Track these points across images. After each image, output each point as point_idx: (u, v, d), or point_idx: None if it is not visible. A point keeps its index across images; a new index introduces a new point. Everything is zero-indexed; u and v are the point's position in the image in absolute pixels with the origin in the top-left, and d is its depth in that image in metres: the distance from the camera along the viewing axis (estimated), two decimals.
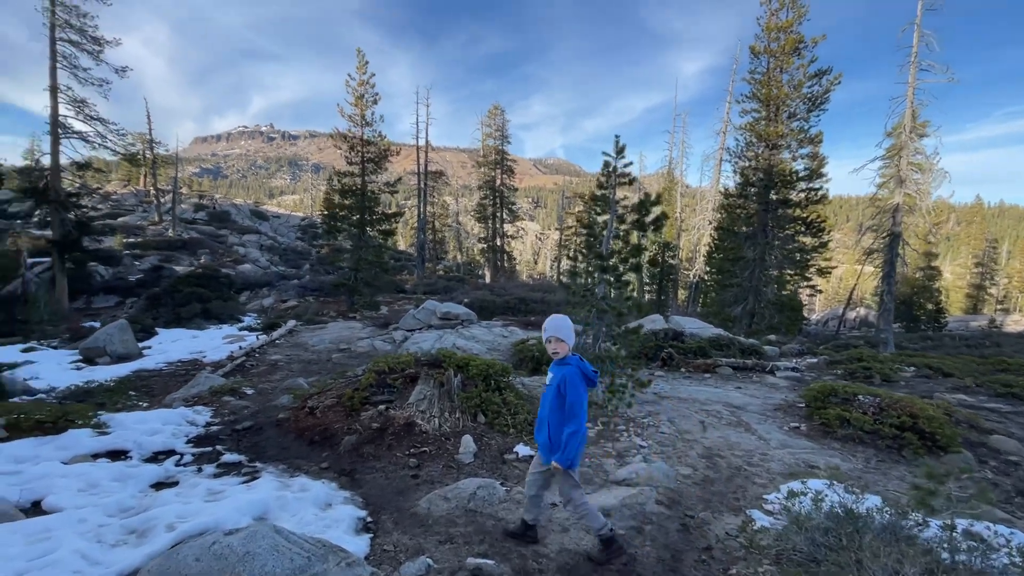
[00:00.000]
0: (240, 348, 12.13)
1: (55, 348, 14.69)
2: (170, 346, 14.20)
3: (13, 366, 11.02)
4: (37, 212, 24.61)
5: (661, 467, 4.55)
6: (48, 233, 24.24)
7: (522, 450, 4.99)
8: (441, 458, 4.77)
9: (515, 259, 48.59)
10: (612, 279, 6.04)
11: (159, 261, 30.39)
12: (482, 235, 42.05)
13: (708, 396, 7.76)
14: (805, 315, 31.37)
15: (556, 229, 59.20)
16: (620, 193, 6.33)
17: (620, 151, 6.08)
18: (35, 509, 3.54)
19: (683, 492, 4.27)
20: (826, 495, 3.50)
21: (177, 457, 4.77)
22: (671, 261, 32.34)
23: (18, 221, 30.90)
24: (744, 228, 22.15)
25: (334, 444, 5.05)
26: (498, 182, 39.90)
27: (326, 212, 24.47)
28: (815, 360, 11.85)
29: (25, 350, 14.39)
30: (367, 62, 23.63)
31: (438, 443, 5.01)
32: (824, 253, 21.88)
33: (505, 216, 40.53)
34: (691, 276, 34.60)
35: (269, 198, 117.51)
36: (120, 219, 39.70)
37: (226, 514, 3.25)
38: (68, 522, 3.12)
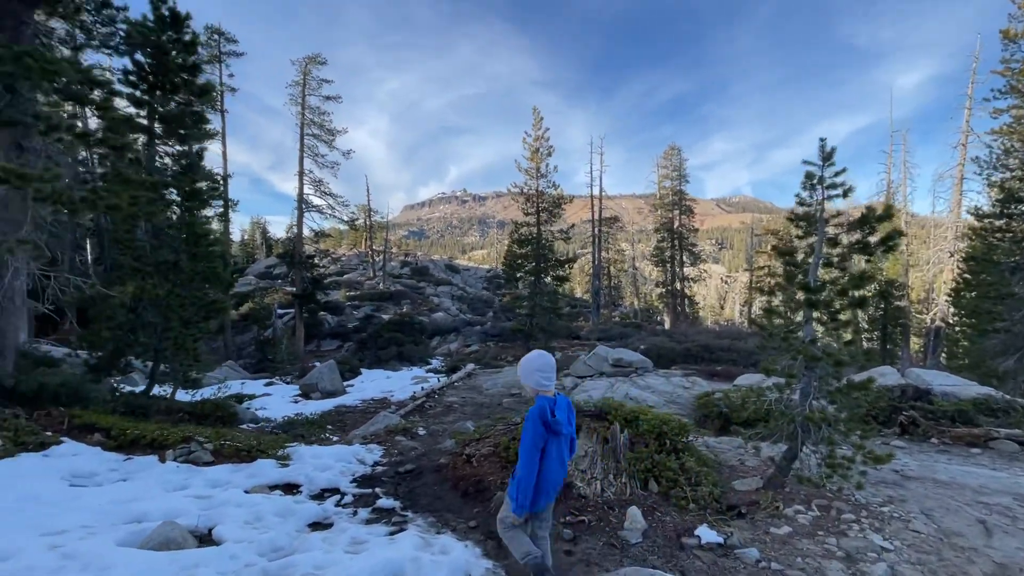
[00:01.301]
0: (422, 389, 12.81)
1: (288, 383, 17.42)
2: (368, 385, 15.77)
3: (251, 397, 13.15)
4: (290, 273, 30.70)
5: None
6: (293, 289, 29.87)
7: (706, 535, 3.93)
8: (602, 532, 3.98)
9: (698, 304, 45.10)
10: (826, 317, 4.70)
11: (371, 310, 35.09)
12: (660, 279, 40.05)
13: (984, 482, 5.56)
14: None
15: (745, 270, 53.85)
16: (830, 211, 5.03)
17: (828, 157, 4.84)
18: (209, 535, 3.71)
19: None
20: None
21: (339, 497, 4.81)
22: (898, 303, 26.53)
23: (278, 281, 38.98)
24: (1011, 257, 17.07)
25: (486, 499, 4.61)
26: (676, 223, 37.93)
27: (506, 261, 25.81)
28: None
29: (267, 384, 17.35)
30: (542, 118, 24.80)
31: (599, 512, 4.23)
32: None
33: (685, 259, 38.10)
34: (928, 320, 27.95)
35: (461, 253, 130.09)
36: (345, 276, 47.40)
37: (357, 574, 2.97)
38: (219, 558, 3.14)
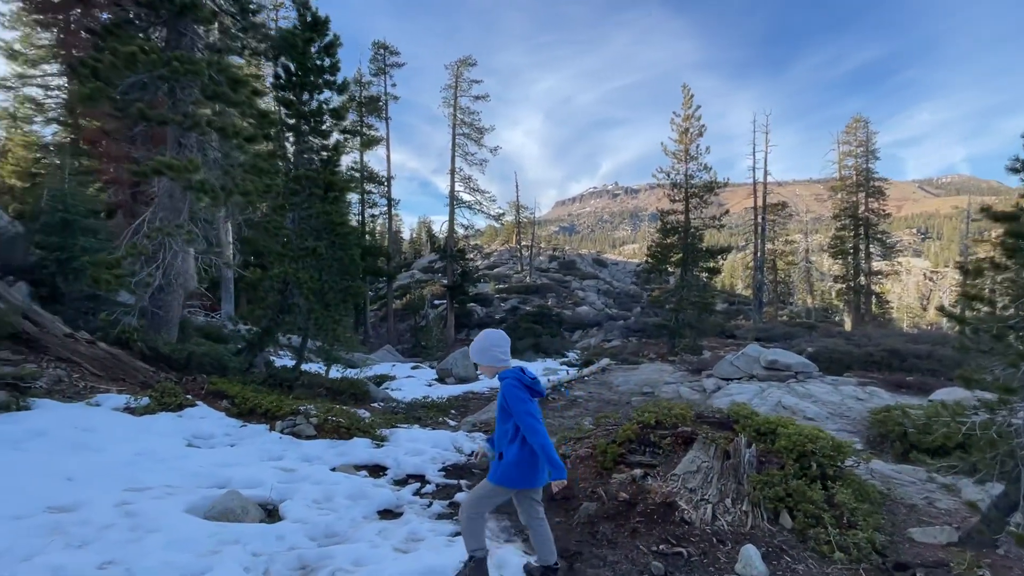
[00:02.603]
0: (549, 381, 12.43)
1: (431, 368, 18.43)
2: None
3: (392, 379, 13.98)
4: (445, 266, 33.13)
5: None
6: (445, 281, 31.96)
7: None
8: (703, 571, 3.13)
9: (889, 303, 38.01)
10: None
11: (517, 303, 36.05)
12: (839, 274, 34.47)
13: None
14: None
15: (957, 264, 44.02)
16: None
17: None
18: (276, 510, 3.70)
19: None
20: None
21: (420, 485, 4.61)
22: None
23: (438, 275, 42.26)
24: None
25: (571, 508, 4.01)
26: (861, 208, 32.23)
27: (650, 252, 24.28)
28: None
29: (414, 367, 18.53)
30: (692, 95, 22.78)
31: (704, 544, 3.36)
32: None
33: (872, 250, 32.22)
34: None
35: (611, 248, 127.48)
36: (495, 270, 49.49)
37: None
38: (263, 536, 3.05)
